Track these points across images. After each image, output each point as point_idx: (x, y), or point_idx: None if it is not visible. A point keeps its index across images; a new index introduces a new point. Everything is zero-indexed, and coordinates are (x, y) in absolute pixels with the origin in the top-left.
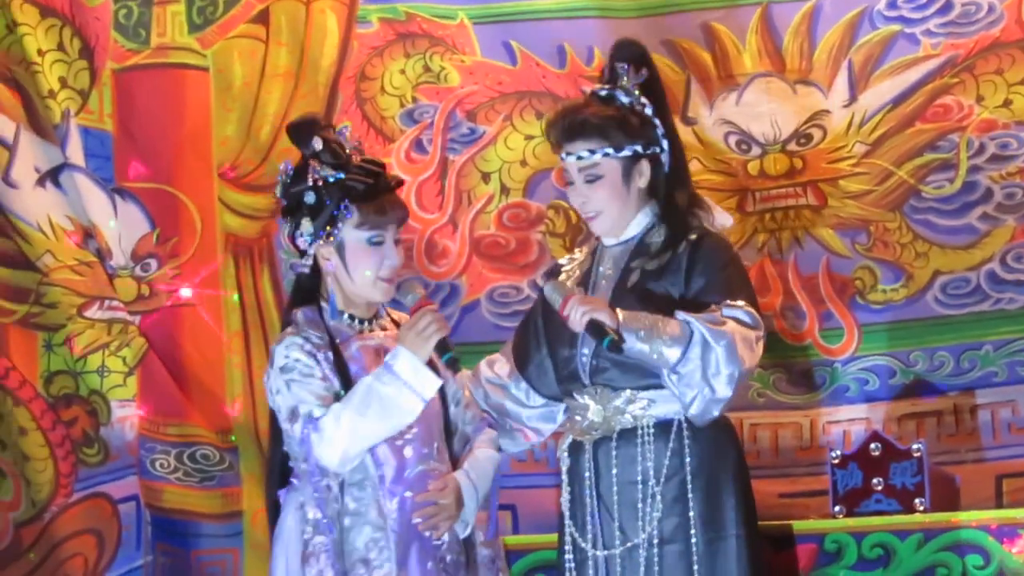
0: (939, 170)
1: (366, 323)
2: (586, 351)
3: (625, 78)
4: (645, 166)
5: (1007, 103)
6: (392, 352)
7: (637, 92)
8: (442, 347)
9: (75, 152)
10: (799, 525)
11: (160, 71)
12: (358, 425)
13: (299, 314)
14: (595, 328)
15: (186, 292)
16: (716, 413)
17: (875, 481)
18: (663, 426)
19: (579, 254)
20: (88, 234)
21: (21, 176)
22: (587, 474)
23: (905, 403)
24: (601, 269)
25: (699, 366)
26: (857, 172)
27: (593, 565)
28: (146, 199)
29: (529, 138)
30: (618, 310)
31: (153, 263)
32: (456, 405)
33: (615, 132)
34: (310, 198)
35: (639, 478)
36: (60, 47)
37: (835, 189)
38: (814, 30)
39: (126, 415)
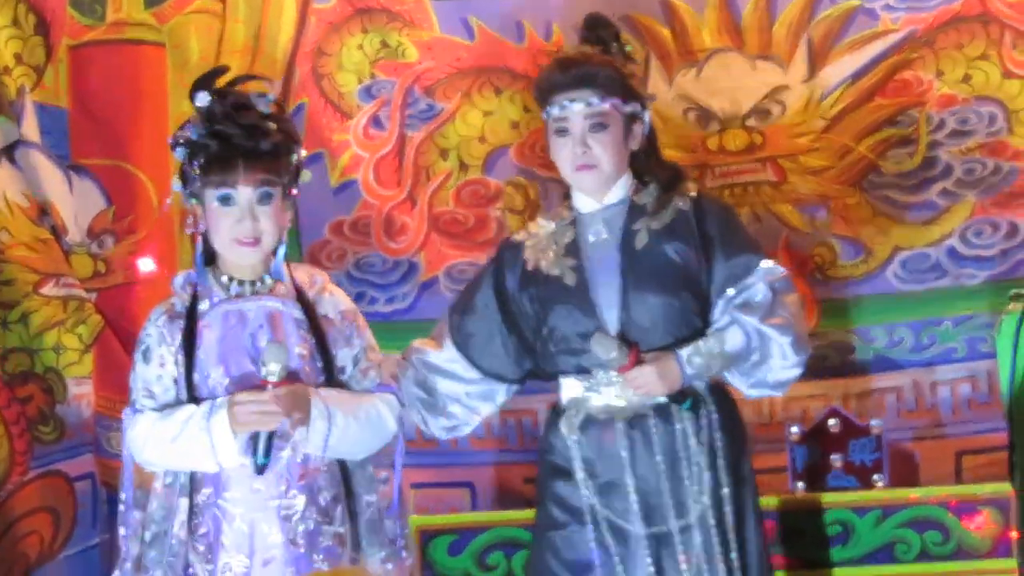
0: (898, 145)
1: (246, 284)
2: (611, 321)
3: (616, 45)
4: (639, 128)
5: (967, 78)
6: (218, 405)
7: (634, 58)
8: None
9: (30, 129)
10: (759, 501)
11: (116, 47)
12: (162, 449)
13: (177, 278)
14: (672, 399)
15: (144, 266)
16: (780, 393)
17: (834, 458)
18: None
19: (540, 228)
20: (43, 211)
21: None
22: (624, 454)
23: (864, 379)
24: (591, 237)
25: (759, 358)
26: (816, 148)
27: (630, 544)
28: (102, 176)
29: (487, 114)
30: (680, 363)
31: (109, 240)
32: (353, 366)
33: (621, 85)
34: (179, 153)
35: (681, 455)
36: (15, 23)
37: (794, 165)
38: (773, 5)
39: (82, 393)
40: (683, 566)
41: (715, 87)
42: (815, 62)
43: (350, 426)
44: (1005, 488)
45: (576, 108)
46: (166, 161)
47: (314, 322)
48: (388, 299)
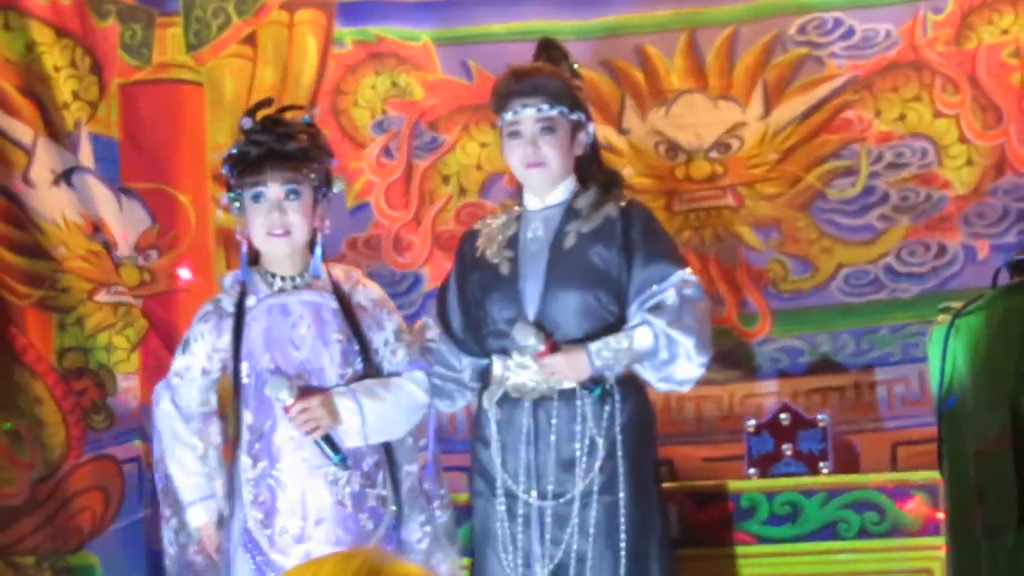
0: (842, 176)
1: (287, 280)
2: (531, 311)
3: (565, 64)
4: (584, 136)
5: (902, 117)
6: (191, 517)
7: (580, 75)
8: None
9: (86, 156)
10: (719, 485)
11: (160, 85)
12: (166, 441)
13: (227, 277)
14: (582, 385)
15: (183, 276)
16: (688, 386)
17: (785, 447)
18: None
19: (494, 220)
20: (97, 228)
21: (38, 177)
22: (525, 429)
23: (812, 379)
24: (529, 234)
25: (668, 357)
26: (770, 177)
27: (524, 514)
28: (147, 198)
29: (484, 145)
30: (590, 356)
31: (154, 254)
32: (385, 347)
33: (568, 96)
34: (224, 170)
35: (577, 435)
36: (73, 64)
37: (751, 192)
38: (733, 52)
39: (130, 386)
40: (565, 538)
41: (682, 123)
42: (770, 102)
43: (382, 412)
44: (934, 475)
45: (528, 113)
46: (203, 185)
47: (349, 311)
48: (397, 307)
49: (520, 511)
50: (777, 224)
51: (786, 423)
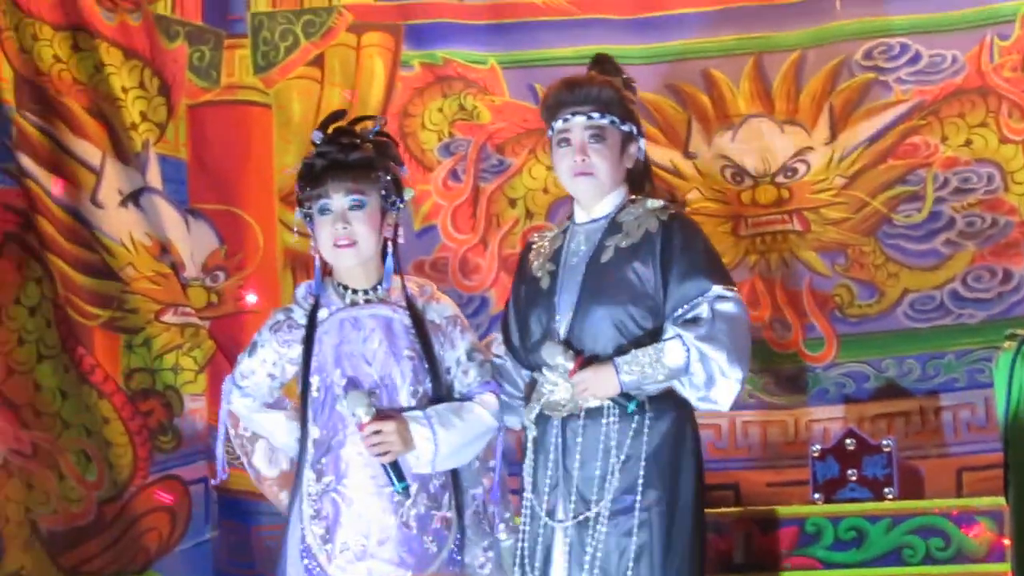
0: (908, 201)
1: (360, 293)
2: (562, 325)
3: (619, 78)
4: (635, 149)
5: (968, 143)
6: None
7: (634, 88)
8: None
9: (154, 177)
10: (783, 510)
11: (228, 107)
12: (247, 421)
13: (299, 288)
14: (615, 401)
15: (251, 299)
16: (730, 404)
17: (850, 472)
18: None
19: (548, 234)
20: (164, 249)
21: (107, 198)
22: (552, 447)
23: (877, 404)
24: (572, 246)
25: (704, 375)
26: (836, 202)
27: (549, 533)
28: (215, 219)
29: (550, 168)
30: (617, 370)
31: (221, 275)
32: (456, 367)
33: (619, 107)
34: (297, 187)
35: (600, 456)
36: (141, 85)
37: (817, 216)
38: (800, 77)
39: (196, 408)
40: (586, 556)
41: (748, 148)
42: (836, 127)
43: (454, 442)
44: (1000, 501)
45: (577, 120)
46: (271, 206)
47: (421, 328)
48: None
49: (543, 532)
50: (843, 249)
51: (851, 448)
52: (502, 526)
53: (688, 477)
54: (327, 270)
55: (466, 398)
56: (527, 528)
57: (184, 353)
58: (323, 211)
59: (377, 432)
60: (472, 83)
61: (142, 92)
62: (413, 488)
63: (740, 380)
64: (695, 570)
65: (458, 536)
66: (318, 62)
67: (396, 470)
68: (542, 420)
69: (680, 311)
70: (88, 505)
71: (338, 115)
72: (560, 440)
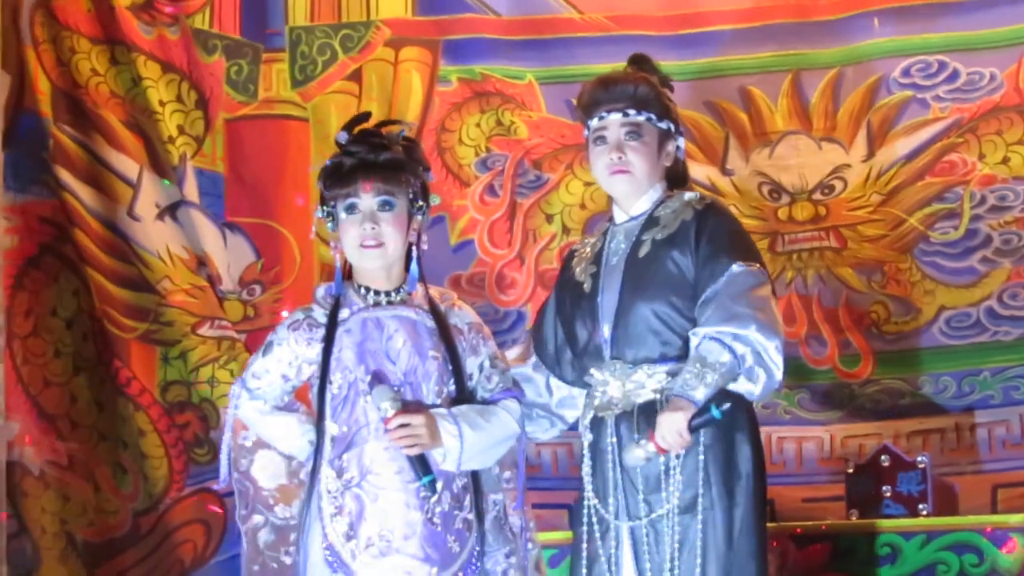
0: (945, 218)
1: (382, 295)
2: (606, 325)
3: (657, 76)
4: (673, 147)
5: (1005, 160)
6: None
7: (671, 87)
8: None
9: (191, 190)
10: (819, 526)
11: (266, 121)
12: (254, 427)
13: (319, 288)
14: (698, 417)
15: (287, 313)
16: (779, 380)
17: (885, 488)
18: None
19: (589, 239)
20: (201, 262)
21: (144, 211)
22: (610, 448)
23: (913, 421)
24: (612, 246)
25: (752, 357)
26: (873, 219)
27: (616, 535)
28: (252, 233)
29: (588, 184)
30: (685, 412)
31: (257, 288)
32: (479, 372)
33: (657, 104)
34: (320, 185)
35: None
36: (179, 99)
37: (854, 233)
38: (837, 94)
39: None
40: (655, 555)
41: (785, 164)
42: (873, 144)
43: (479, 442)
44: None
45: (613, 118)
46: (308, 221)
47: (445, 332)
48: (499, 344)
49: (613, 533)
50: (880, 266)
51: (886, 464)
52: (527, 535)
53: (749, 469)
54: (347, 271)
55: (489, 403)
56: (591, 530)
57: (220, 366)
58: (350, 210)
59: (405, 425)
60: (510, 98)
61: (179, 105)
62: (439, 484)
63: (779, 348)
64: (760, 563)
65: (478, 540)
66: (356, 77)
67: (423, 464)
68: (597, 424)
69: (703, 296)
70: (124, 517)
71: (364, 117)
72: (616, 440)
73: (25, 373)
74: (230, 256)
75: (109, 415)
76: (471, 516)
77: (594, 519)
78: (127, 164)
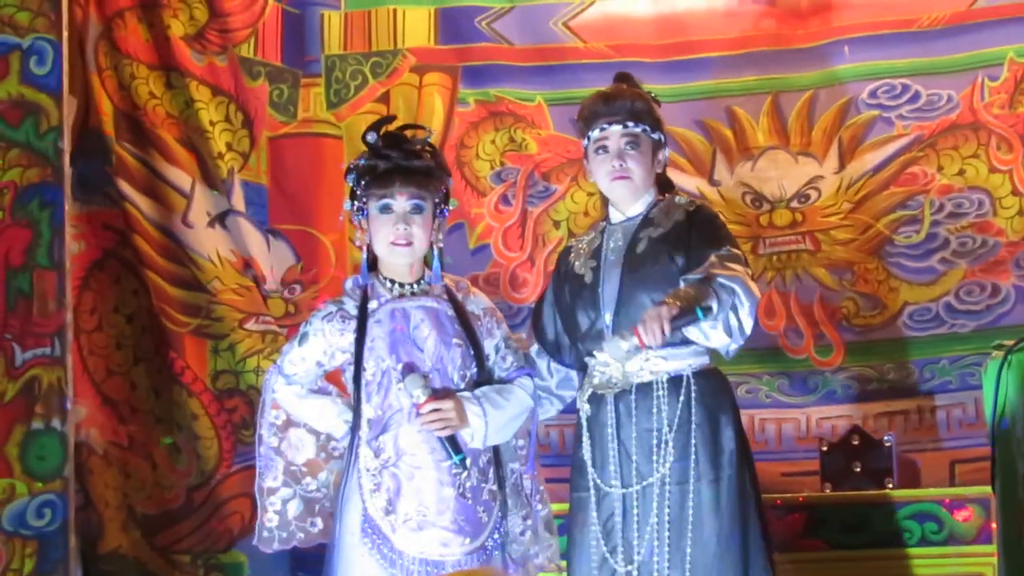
0: (908, 224)
1: (407, 286)
2: (607, 313)
3: (641, 90)
4: (663, 155)
5: (961, 172)
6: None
7: (658, 100)
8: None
9: (238, 200)
10: (796, 497)
11: (304, 139)
12: (291, 409)
13: (348, 281)
14: (679, 317)
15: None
16: (742, 342)
17: (855, 464)
18: (675, 381)
19: (585, 236)
20: (247, 264)
21: (196, 219)
22: (610, 422)
23: (880, 404)
24: (611, 244)
25: (728, 307)
26: (844, 224)
27: (610, 501)
28: (292, 238)
29: (591, 194)
30: (668, 298)
31: (298, 288)
32: (496, 354)
33: (650, 117)
34: (349, 180)
35: (654, 427)
36: (227, 119)
37: (827, 237)
38: (812, 113)
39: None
40: (648, 523)
41: (766, 176)
42: (844, 158)
43: (500, 420)
44: (987, 490)
45: (614, 129)
46: (342, 228)
47: (464, 319)
48: None
49: (605, 501)
50: (850, 266)
51: (856, 443)
52: (537, 496)
53: (732, 447)
54: (372, 262)
55: (505, 381)
56: (584, 496)
57: (264, 357)
58: (385, 210)
59: (436, 410)
60: (521, 118)
61: (228, 125)
62: (467, 461)
63: (752, 312)
64: (757, 532)
65: (501, 507)
66: (384, 99)
67: (453, 444)
68: (595, 400)
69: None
70: (179, 491)
71: (388, 120)
72: (615, 416)
73: (90, 364)
74: (273, 259)
75: (165, 401)
76: (494, 487)
77: (590, 487)
78: (181, 177)
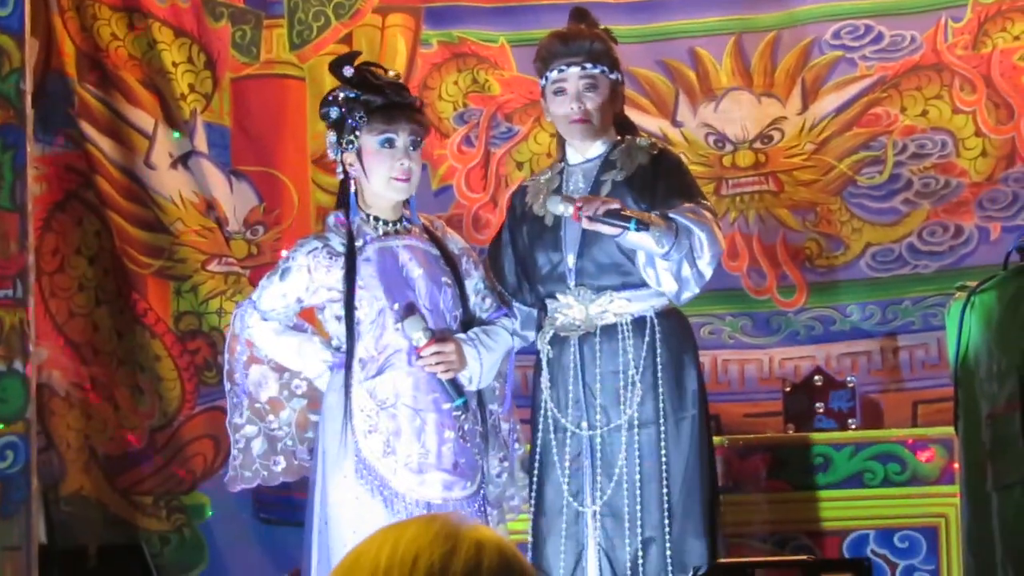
0: (871, 165)
1: (391, 224)
2: (570, 256)
3: (599, 28)
4: (621, 94)
5: (924, 113)
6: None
7: (615, 37)
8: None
9: (200, 142)
10: (759, 438)
11: (267, 80)
12: (265, 346)
13: (330, 217)
14: (617, 215)
15: (286, 251)
16: (698, 291)
17: (818, 405)
18: (639, 322)
19: (540, 176)
20: (210, 206)
21: (159, 160)
22: (573, 364)
23: (842, 345)
24: (571, 185)
25: (687, 249)
26: (807, 165)
27: (576, 443)
28: (255, 179)
29: (553, 135)
30: (620, 207)
31: (260, 229)
32: (476, 295)
33: (608, 57)
34: (334, 112)
35: (620, 368)
36: (190, 60)
37: (790, 178)
38: (776, 55)
39: None
40: (616, 467)
41: (729, 117)
42: (807, 99)
43: (492, 361)
44: (950, 431)
45: (572, 71)
46: (305, 168)
47: (448, 257)
48: None
49: (570, 442)
50: (813, 207)
51: (819, 384)
52: (514, 435)
53: (692, 387)
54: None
55: (487, 323)
56: (547, 438)
57: (227, 298)
58: (387, 144)
59: (439, 352)
60: (484, 59)
61: (190, 66)
62: (469, 403)
63: (711, 262)
64: (712, 472)
65: (483, 446)
66: (347, 40)
67: (455, 387)
68: (557, 341)
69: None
70: (141, 433)
71: (354, 55)
72: (579, 358)
73: (52, 306)
74: (236, 200)
75: (128, 342)
76: (481, 428)
77: (551, 428)
78: (144, 119)
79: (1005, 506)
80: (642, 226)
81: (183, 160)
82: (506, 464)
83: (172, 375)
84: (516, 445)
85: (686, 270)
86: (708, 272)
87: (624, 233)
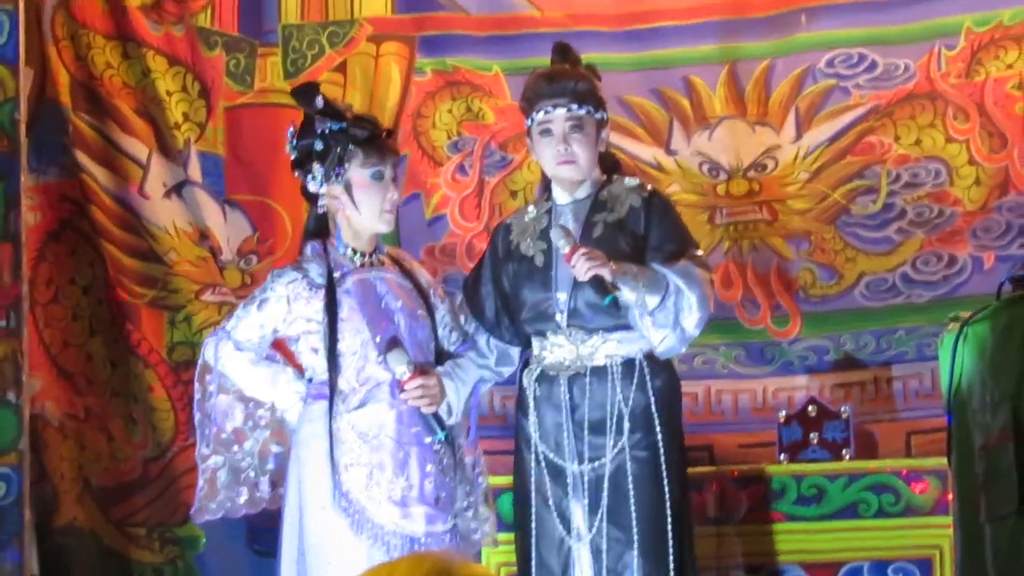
0: (865, 193)
1: (366, 256)
2: (562, 295)
3: (582, 66)
4: (606, 133)
5: (918, 142)
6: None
7: (598, 74)
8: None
9: (194, 171)
10: (753, 469)
11: (261, 109)
12: (238, 377)
13: (308, 248)
14: (598, 284)
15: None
16: (683, 350)
17: (812, 435)
18: (628, 364)
19: (525, 214)
20: (203, 235)
21: (152, 189)
22: (563, 403)
23: (836, 375)
24: (560, 224)
25: (673, 311)
26: (801, 194)
27: (563, 479)
28: (249, 209)
29: None
30: (613, 264)
31: (254, 258)
32: (444, 328)
33: (593, 97)
34: (319, 145)
35: (608, 408)
36: (184, 89)
37: (784, 207)
38: (769, 83)
39: None
40: (587, 499)
41: (723, 146)
42: (801, 128)
43: (463, 393)
44: (944, 462)
45: (558, 112)
46: (299, 198)
47: (422, 291)
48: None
49: (560, 477)
50: (807, 236)
51: (813, 414)
52: (478, 469)
53: (676, 426)
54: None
55: (456, 355)
56: (534, 472)
57: None
58: (378, 177)
59: (423, 386)
60: (478, 88)
61: (184, 95)
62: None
63: (699, 325)
64: (688, 511)
65: (455, 479)
66: (341, 68)
67: (438, 421)
68: (545, 380)
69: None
70: (134, 463)
71: (316, 84)
72: (568, 397)
73: (46, 335)
74: (229, 230)
75: (122, 373)
76: (453, 461)
77: (541, 463)
78: (138, 148)
79: (999, 537)
80: (615, 305)
81: (177, 189)
82: (471, 498)
83: (165, 406)
84: (480, 479)
85: (670, 330)
86: (694, 333)
87: (604, 301)
